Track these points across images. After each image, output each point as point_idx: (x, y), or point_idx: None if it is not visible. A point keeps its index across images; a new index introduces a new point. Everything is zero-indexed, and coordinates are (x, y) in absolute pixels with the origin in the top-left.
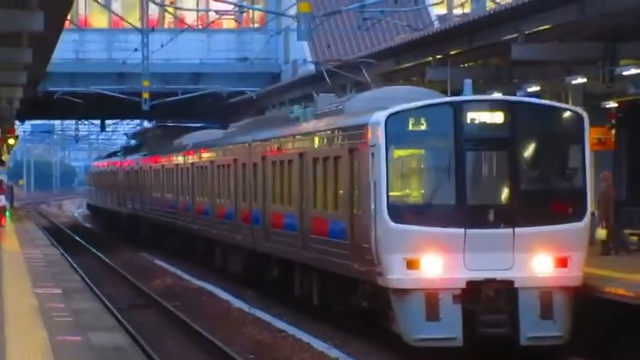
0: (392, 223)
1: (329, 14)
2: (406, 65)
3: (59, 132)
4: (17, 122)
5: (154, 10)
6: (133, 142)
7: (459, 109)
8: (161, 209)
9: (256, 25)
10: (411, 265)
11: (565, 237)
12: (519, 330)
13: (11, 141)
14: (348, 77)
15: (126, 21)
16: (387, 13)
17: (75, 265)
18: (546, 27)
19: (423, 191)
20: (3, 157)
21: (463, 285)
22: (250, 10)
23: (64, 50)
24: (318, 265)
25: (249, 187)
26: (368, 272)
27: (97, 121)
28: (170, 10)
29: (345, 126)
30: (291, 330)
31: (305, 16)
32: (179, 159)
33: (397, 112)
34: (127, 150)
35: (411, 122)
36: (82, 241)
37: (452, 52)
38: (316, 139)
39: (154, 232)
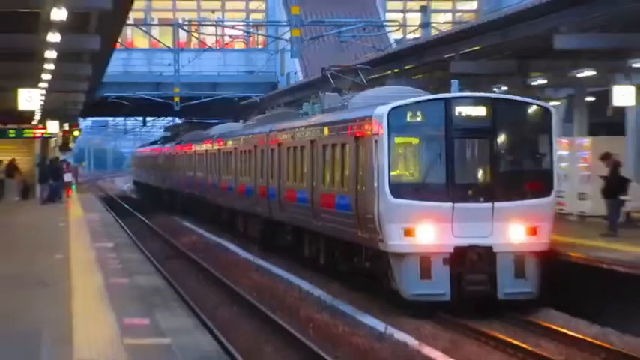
0: (393, 198)
1: (314, 38)
2: (371, 77)
3: (112, 126)
4: (80, 119)
5: (183, 35)
6: (169, 133)
7: (449, 103)
8: (193, 186)
9: (260, 46)
10: (408, 233)
11: (535, 210)
12: (497, 287)
13: (76, 133)
14: (346, 79)
15: (162, 43)
16: (357, 38)
17: (124, 226)
18: (476, 48)
19: (418, 172)
20: (70, 145)
21: (451, 250)
22: (255, 35)
23: (115, 65)
24: (326, 232)
25: (266, 169)
26: (371, 239)
27: (140, 118)
28: (195, 34)
29: (352, 118)
30: (285, 275)
31: (296, 40)
32: (208, 146)
33: (398, 107)
34: (166, 139)
35: (409, 115)
36: (129, 208)
37: (406, 67)
38: (326, 130)
39: (188, 204)
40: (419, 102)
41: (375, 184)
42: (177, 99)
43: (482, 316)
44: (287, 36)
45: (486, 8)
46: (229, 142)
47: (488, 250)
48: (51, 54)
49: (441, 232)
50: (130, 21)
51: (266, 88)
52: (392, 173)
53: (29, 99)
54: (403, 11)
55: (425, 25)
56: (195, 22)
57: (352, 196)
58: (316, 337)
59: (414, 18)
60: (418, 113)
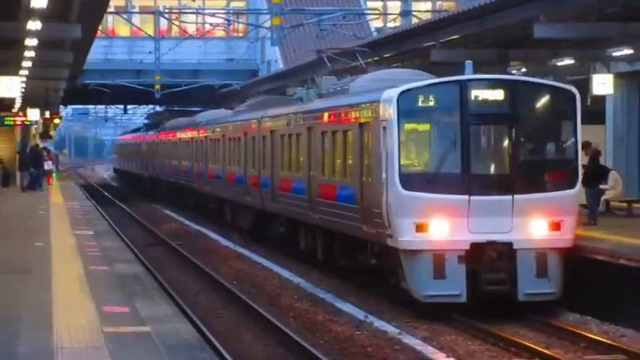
0: (403, 190)
1: (294, 26)
2: (353, 64)
3: (93, 114)
4: (61, 106)
5: (163, 23)
6: (153, 120)
7: (464, 86)
8: (179, 174)
9: (240, 34)
10: (420, 228)
11: (558, 203)
12: (517, 287)
13: (57, 120)
14: (342, 62)
15: (143, 31)
16: (338, 26)
17: (104, 214)
18: (456, 37)
19: (431, 161)
20: (50, 133)
21: (467, 246)
22: (236, 23)
23: (96, 53)
24: (325, 225)
25: (258, 157)
26: (377, 234)
27: (121, 106)
28: (176, 22)
29: (356, 102)
30: (265, 263)
31: (276, 28)
32: (195, 133)
33: (408, 90)
34: (149, 127)
35: (420, 99)
36: (110, 196)
37: (385, 55)
38: (325, 115)
39: (172, 192)
40: (431, 84)
41: (384, 175)
42: (158, 87)
43: (496, 318)
44: (267, 24)
45: None
46: (217, 129)
47: (508, 246)
48: (32, 42)
49: (456, 227)
50: (111, 9)
51: (246, 76)
52: (402, 162)
53: (9, 86)
54: (383, 0)
55: (405, 13)
56: (176, 10)
57: (356, 187)
58: (295, 322)
59: (395, 6)
60: (430, 97)
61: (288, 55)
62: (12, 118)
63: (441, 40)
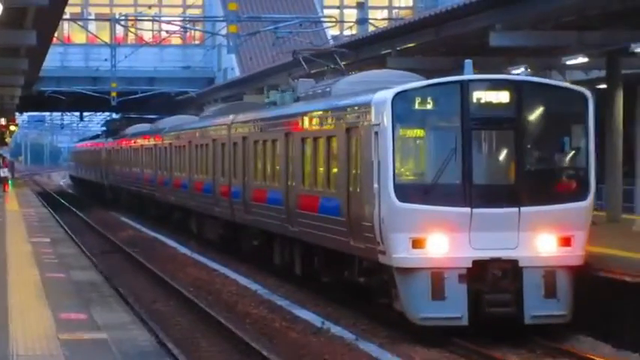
0: (398, 202)
1: (251, 34)
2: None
3: (49, 121)
4: (17, 113)
5: (120, 30)
6: (107, 128)
7: (465, 87)
8: (141, 182)
9: (197, 42)
10: (417, 244)
11: (569, 216)
12: (524, 309)
13: (12, 127)
14: (319, 63)
15: (99, 38)
16: (294, 33)
17: (60, 221)
18: (412, 45)
19: (428, 170)
20: (6, 140)
21: (469, 264)
22: (192, 31)
23: (52, 60)
24: (305, 239)
25: (228, 165)
26: (367, 249)
27: (77, 113)
28: (132, 29)
29: (342, 105)
30: (222, 270)
31: (233, 36)
32: (157, 140)
33: (404, 91)
34: (108, 133)
35: (417, 101)
36: (66, 203)
37: (343, 63)
38: (306, 120)
39: (134, 201)
40: (429, 85)
41: (375, 185)
42: (114, 94)
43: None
44: (224, 32)
45: (422, 5)
46: (182, 136)
47: (514, 264)
48: None
49: (457, 242)
50: (66, 16)
51: (203, 84)
52: (397, 171)
53: None
54: (340, 7)
55: (362, 21)
56: (133, 18)
57: (342, 198)
58: (252, 329)
59: (351, 14)
60: (428, 99)
61: (245, 62)
62: None
63: (397, 48)
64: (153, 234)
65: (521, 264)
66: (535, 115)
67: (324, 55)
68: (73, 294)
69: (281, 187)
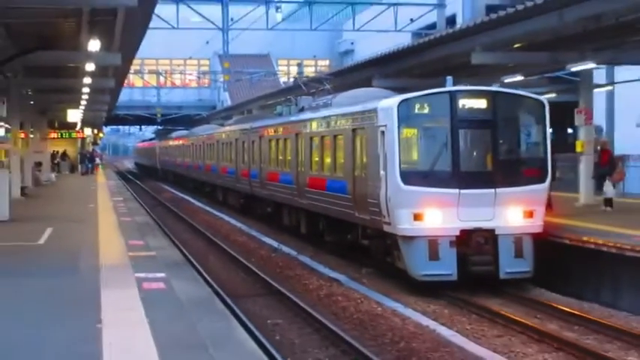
0: (403, 185)
1: (237, 80)
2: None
3: (122, 130)
4: (104, 126)
5: (162, 78)
6: (158, 134)
7: (454, 96)
8: (182, 167)
9: (206, 85)
10: (417, 217)
11: (532, 195)
12: (499, 267)
13: (101, 134)
14: (312, 86)
15: (150, 83)
16: (261, 80)
17: (128, 187)
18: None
19: (426, 160)
20: (98, 141)
21: (457, 233)
22: (203, 78)
23: (123, 95)
24: (313, 209)
25: (248, 155)
26: (372, 220)
27: (138, 126)
28: (169, 78)
29: (349, 112)
30: (226, 218)
31: (226, 81)
32: (194, 140)
33: (407, 99)
34: (157, 137)
35: (416, 107)
36: (132, 178)
37: (334, 85)
38: (314, 123)
39: (178, 179)
40: (426, 95)
41: (382, 172)
42: (159, 115)
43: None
44: (221, 79)
45: (335, 64)
46: (213, 137)
47: (491, 232)
48: (85, 89)
49: (448, 216)
50: (131, 70)
51: (209, 109)
52: (402, 161)
53: (74, 115)
54: (288, 65)
55: (299, 73)
56: (169, 72)
57: (349, 181)
58: (237, 249)
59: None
60: (425, 105)
61: (233, 96)
62: (75, 133)
63: (381, 73)
64: (183, 196)
65: (497, 232)
66: (506, 117)
67: (317, 80)
68: (135, 229)
69: (292, 171)
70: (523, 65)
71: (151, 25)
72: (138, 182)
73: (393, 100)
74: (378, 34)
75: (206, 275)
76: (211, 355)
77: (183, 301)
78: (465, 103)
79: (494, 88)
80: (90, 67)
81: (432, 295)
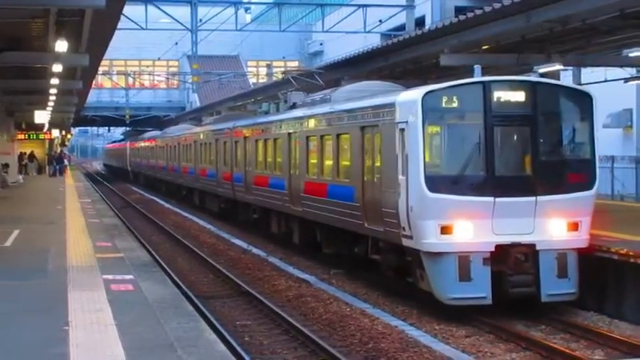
0: (429, 193)
1: (206, 81)
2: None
3: (90, 132)
4: (72, 128)
5: (130, 79)
6: (127, 135)
7: (488, 87)
8: (155, 169)
9: (175, 86)
10: (445, 230)
11: (578, 204)
12: (540, 288)
13: (69, 135)
14: (303, 81)
15: (118, 84)
16: (230, 81)
17: (96, 189)
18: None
19: (456, 163)
20: (66, 142)
21: (492, 248)
22: (172, 80)
23: (91, 96)
24: (311, 218)
25: (230, 157)
26: (386, 232)
27: (106, 128)
28: (137, 79)
29: (356, 107)
30: (195, 219)
31: (195, 83)
32: (168, 140)
33: (432, 91)
34: (127, 138)
35: (444, 100)
36: (101, 179)
37: (257, 97)
38: (311, 121)
39: (150, 182)
40: (455, 86)
41: (401, 177)
42: (128, 117)
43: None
44: (190, 80)
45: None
46: (189, 137)
47: (532, 248)
48: (53, 90)
49: (481, 229)
50: (100, 71)
51: (178, 110)
52: (427, 164)
53: (42, 116)
54: (256, 67)
55: (269, 73)
56: (138, 72)
57: (357, 187)
58: (206, 250)
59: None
60: (454, 99)
61: (202, 98)
62: (43, 135)
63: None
64: (151, 197)
65: (537, 247)
66: (548, 112)
67: (308, 75)
68: (103, 231)
69: (283, 175)
70: (491, 67)
71: (120, 25)
72: (107, 184)
73: (417, 92)
74: (347, 36)
75: (175, 277)
76: (180, 357)
77: (151, 302)
78: (501, 95)
79: (533, 78)
80: (57, 68)
81: (402, 296)
